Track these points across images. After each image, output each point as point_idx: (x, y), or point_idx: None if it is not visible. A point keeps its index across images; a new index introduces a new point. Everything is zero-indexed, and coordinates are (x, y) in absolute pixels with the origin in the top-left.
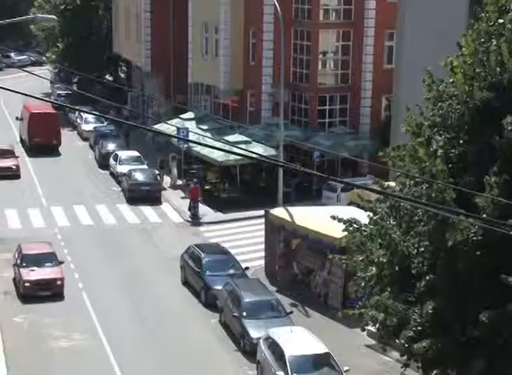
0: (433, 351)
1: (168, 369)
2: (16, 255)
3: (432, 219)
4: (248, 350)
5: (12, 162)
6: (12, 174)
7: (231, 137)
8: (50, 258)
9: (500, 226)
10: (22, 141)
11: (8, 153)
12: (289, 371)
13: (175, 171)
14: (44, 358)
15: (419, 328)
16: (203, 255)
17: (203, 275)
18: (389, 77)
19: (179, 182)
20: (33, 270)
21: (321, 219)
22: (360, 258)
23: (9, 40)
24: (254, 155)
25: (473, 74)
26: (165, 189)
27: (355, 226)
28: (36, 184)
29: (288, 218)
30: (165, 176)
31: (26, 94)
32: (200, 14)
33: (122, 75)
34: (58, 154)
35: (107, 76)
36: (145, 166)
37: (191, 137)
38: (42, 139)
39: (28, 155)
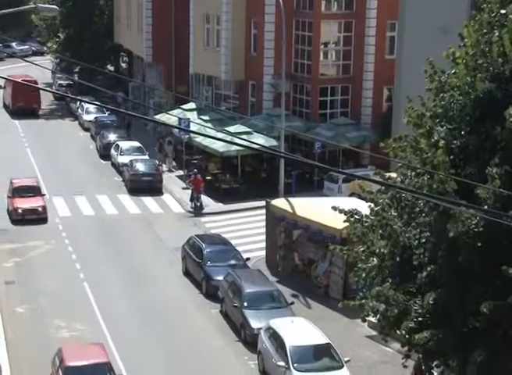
0: (434, 341)
1: (169, 359)
2: (57, 363)
3: (433, 210)
4: (249, 340)
5: (38, 202)
6: (38, 218)
7: (232, 128)
8: (104, 371)
9: (502, 218)
10: (5, 105)
11: (33, 190)
12: (290, 361)
13: (170, 155)
14: (45, 349)
15: (420, 319)
16: (204, 246)
17: (204, 265)
18: (390, 68)
19: (181, 172)
20: None
21: (323, 210)
22: (362, 249)
23: (11, 30)
24: (256, 146)
25: (475, 65)
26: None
27: (356, 217)
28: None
29: (289, 209)
30: (162, 165)
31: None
32: (201, 4)
33: (124, 65)
34: (37, 116)
35: (108, 67)
36: (146, 157)
37: (192, 127)
38: (24, 104)
39: (12, 118)
